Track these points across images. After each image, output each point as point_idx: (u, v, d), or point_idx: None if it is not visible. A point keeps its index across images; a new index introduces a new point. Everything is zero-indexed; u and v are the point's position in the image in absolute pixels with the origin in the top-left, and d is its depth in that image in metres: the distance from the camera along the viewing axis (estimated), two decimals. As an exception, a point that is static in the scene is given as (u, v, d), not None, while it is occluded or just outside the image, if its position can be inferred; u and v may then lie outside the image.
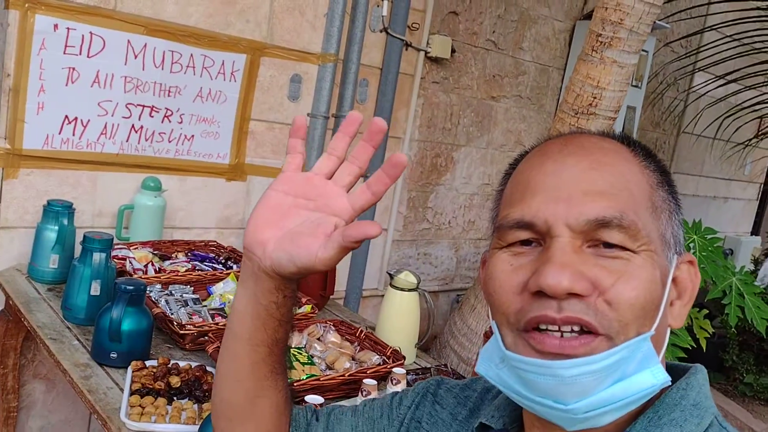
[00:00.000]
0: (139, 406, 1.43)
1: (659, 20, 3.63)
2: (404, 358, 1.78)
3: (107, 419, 1.39)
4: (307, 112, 2.73)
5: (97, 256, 1.82)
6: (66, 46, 2.14)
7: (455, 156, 3.48)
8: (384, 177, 0.66)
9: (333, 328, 1.90)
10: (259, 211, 0.71)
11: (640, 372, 0.62)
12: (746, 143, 4.76)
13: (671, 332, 0.70)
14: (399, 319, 1.99)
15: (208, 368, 1.62)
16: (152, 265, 2.12)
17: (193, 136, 2.50)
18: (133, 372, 1.55)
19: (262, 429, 0.83)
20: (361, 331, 1.91)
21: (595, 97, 2.49)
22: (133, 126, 2.34)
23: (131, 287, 1.61)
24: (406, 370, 1.71)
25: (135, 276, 1.99)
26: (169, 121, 2.43)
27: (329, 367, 1.72)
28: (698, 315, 2.96)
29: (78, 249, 1.95)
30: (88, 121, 2.24)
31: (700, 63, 4.37)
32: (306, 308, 1.99)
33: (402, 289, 2.00)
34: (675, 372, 0.69)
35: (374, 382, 1.59)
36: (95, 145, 2.28)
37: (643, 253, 0.63)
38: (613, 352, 0.61)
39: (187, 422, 1.41)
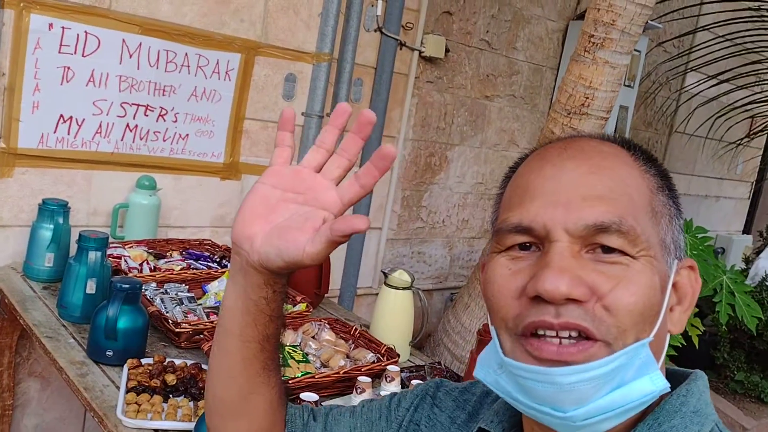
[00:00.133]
0: (136, 403, 1.44)
1: (652, 20, 3.65)
2: (398, 355, 1.80)
3: (104, 416, 1.40)
4: (302, 112, 2.74)
5: (93, 255, 1.83)
6: (61, 45, 2.14)
7: (449, 155, 3.50)
8: (373, 169, 0.65)
9: (328, 326, 1.91)
10: (246, 205, 0.70)
11: (638, 378, 0.62)
12: (738, 142, 4.80)
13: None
14: (393, 318, 2.00)
15: (204, 366, 1.63)
16: (147, 263, 2.13)
17: (187, 135, 2.50)
18: (129, 370, 1.56)
19: (255, 426, 0.83)
20: (356, 330, 1.92)
21: (587, 97, 2.51)
22: (127, 125, 2.35)
23: (127, 285, 1.62)
24: (401, 368, 1.73)
25: (130, 274, 2.00)
26: (164, 120, 2.43)
27: (324, 365, 1.73)
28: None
29: (73, 248, 1.95)
30: (83, 120, 2.25)
31: (693, 63, 4.40)
32: (301, 306, 2.01)
33: (396, 288, 2.01)
34: (675, 378, 0.69)
35: (369, 379, 1.60)
36: (90, 144, 2.28)
37: (642, 259, 0.62)
38: (612, 359, 0.60)
39: (183, 419, 1.42)
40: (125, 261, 2.09)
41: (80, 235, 1.85)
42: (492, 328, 0.68)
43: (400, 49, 3.04)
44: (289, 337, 1.80)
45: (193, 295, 1.98)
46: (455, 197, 3.61)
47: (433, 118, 3.36)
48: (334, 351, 1.78)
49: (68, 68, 2.17)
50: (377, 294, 2.12)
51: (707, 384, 0.69)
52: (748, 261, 4.73)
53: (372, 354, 1.79)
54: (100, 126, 2.29)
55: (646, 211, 0.64)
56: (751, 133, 5.01)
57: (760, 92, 4.41)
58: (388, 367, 1.68)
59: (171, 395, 1.51)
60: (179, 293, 1.96)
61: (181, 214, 2.55)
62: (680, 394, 0.66)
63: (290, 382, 1.54)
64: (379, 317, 2.02)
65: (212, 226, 2.65)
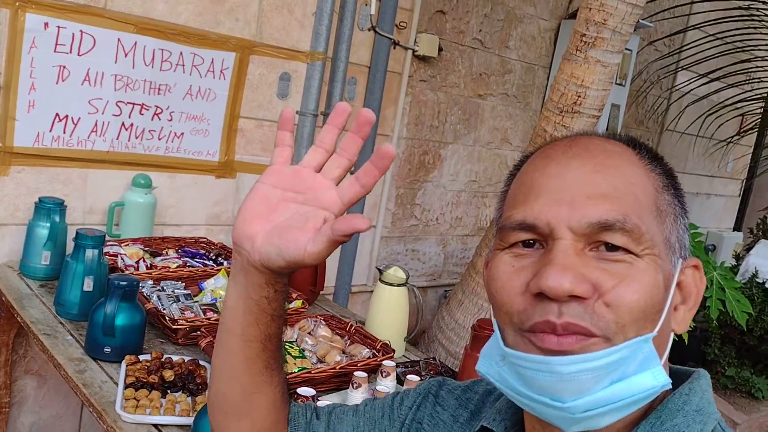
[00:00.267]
0: (134, 399, 1.45)
1: (643, 19, 3.69)
2: (394, 351, 1.82)
3: (103, 412, 1.42)
4: (296, 110, 2.75)
5: (90, 253, 1.84)
6: (56, 44, 2.15)
7: (443, 153, 3.52)
8: (373, 169, 0.65)
9: (323, 322, 1.93)
10: (247, 205, 0.70)
11: (640, 373, 0.61)
12: (728, 140, 4.84)
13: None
14: (388, 314, 2.02)
15: (201, 362, 1.64)
16: (143, 261, 2.14)
17: (182, 133, 2.52)
18: (127, 366, 1.57)
19: (258, 425, 0.83)
20: (351, 326, 1.94)
21: (579, 96, 2.53)
22: (123, 124, 2.36)
23: (125, 283, 1.63)
24: (396, 363, 1.75)
25: (127, 272, 2.01)
26: (159, 119, 2.45)
27: (320, 361, 1.75)
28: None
29: (70, 246, 1.96)
30: (79, 118, 2.26)
31: (683, 61, 4.44)
32: (297, 303, 2.02)
33: (391, 284, 2.03)
34: (678, 377, 0.69)
35: (365, 374, 1.62)
36: (86, 143, 2.29)
37: (646, 257, 0.62)
38: (613, 350, 0.60)
39: (182, 414, 1.44)
40: (122, 259, 2.10)
41: (77, 233, 1.87)
42: (494, 322, 0.68)
43: (394, 48, 3.06)
44: (286, 333, 1.81)
45: (189, 292, 1.99)
46: (449, 195, 3.63)
47: (427, 117, 3.39)
48: (330, 347, 1.80)
49: (64, 67, 2.18)
50: (372, 291, 2.13)
51: (710, 383, 0.69)
52: (739, 258, 4.77)
53: (367, 349, 1.81)
54: (96, 125, 2.30)
55: (651, 209, 0.64)
56: (741, 131, 5.05)
57: (750, 90, 4.45)
58: (384, 362, 1.70)
59: (169, 391, 1.53)
60: (176, 290, 1.97)
61: (177, 213, 2.56)
62: (683, 393, 0.66)
63: (287, 377, 1.56)
64: (374, 313, 2.04)
65: (207, 224, 2.66)
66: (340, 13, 2.78)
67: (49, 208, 2.06)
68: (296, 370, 1.63)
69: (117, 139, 2.36)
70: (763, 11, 4.23)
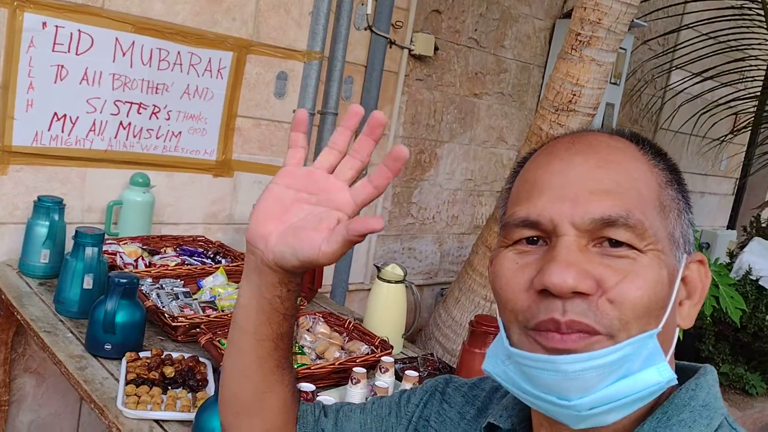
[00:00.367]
0: (135, 395, 1.46)
1: (637, 18, 3.71)
2: (392, 347, 1.83)
3: (104, 408, 1.43)
4: (293, 109, 2.77)
5: (90, 251, 1.85)
6: (54, 43, 2.16)
7: (439, 152, 3.54)
8: (386, 171, 0.66)
9: (322, 319, 1.94)
10: (261, 205, 0.70)
11: (645, 369, 0.61)
12: (722, 139, 4.88)
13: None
14: (386, 311, 2.04)
15: (201, 359, 1.65)
16: (142, 259, 2.15)
17: (180, 132, 2.53)
18: (127, 363, 1.58)
19: (269, 423, 0.84)
20: (350, 323, 1.95)
21: (574, 95, 2.55)
22: (121, 123, 2.37)
23: (125, 280, 1.64)
24: (394, 359, 1.76)
25: (126, 270, 2.02)
26: (157, 118, 2.46)
27: (319, 357, 1.76)
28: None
29: (69, 244, 1.97)
30: (77, 118, 2.26)
31: (677, 61, 4.47)
32: (295, 301, 2.04)
33: (389, 281, 2.05)
34: (684, 373, 0.69)
35: (363, 370, 1.63)
36: (84, 142, 2.30)
37: (650, 253, 0.62)
38: (617, 348, 0.60)
39: (182, 410, 1.45)
40: (120, 257, 2.11)
41: (77, 231, 1.87)
42: (500, 320, 0.68)
43: (390, 47, 3.08)
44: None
45: (188, 290, 2.00)
46: (445, 194, 3.65)
47: (423, 116, 3.40)
48: (329, 343, 1.81)
49: (62, 66, 2.19)
50: (369, 289, 2.15)
51: (716, 379, 0.69)
52: (733, 255, 4.80)
53: (366, 346, 1.83)
54: (94, 124, 2.30)
55: (655, 205, 0.64)
56: (735, 129, 5.08)
57: (743, 89, 4.49)
58: (383, 358, 1.71)
59: (170, 387, 1.54)
60: (175, 288, 1.98)
61: (175, 211, 2.57)
62: (689, 388, 0.66)
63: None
64: (372, 310, 2.06)
65: (205, 222, 2.67)
66: (337, 12, 2.79)
67: (48, 206, 2.07)
68: (296, 367, 1.64)
69: (115, 138, 2.37)
70: (756, 11, 4.26)
